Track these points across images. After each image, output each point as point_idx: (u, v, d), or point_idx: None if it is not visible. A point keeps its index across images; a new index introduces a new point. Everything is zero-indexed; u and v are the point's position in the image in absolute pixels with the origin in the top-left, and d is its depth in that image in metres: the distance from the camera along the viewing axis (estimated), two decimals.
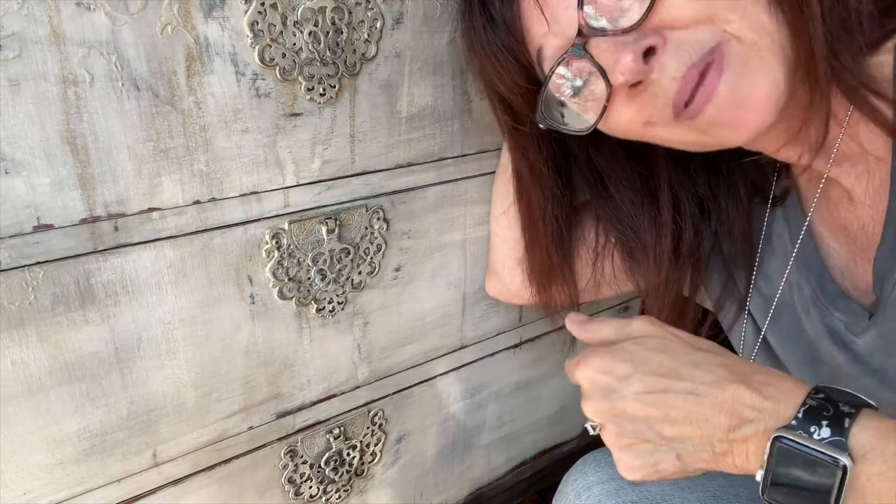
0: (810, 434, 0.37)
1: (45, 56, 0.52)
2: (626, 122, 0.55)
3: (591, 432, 0.55)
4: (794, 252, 0.64)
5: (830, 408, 0.38)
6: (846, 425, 0.37)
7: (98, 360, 0.63)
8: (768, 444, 0.39)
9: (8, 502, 0.63)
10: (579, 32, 0.52)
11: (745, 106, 0.49)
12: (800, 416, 0.38)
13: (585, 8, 0.51)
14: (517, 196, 0.74)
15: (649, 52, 0.50)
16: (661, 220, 0.69)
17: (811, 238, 0.63)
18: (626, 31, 0.50)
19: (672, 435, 0.44)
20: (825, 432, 0.37)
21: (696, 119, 0.51)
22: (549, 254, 0.73)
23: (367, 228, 0.76)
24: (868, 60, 0.51)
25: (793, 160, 0.57)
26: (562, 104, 0.58)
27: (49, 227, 0.57)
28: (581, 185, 0.75)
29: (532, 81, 0.59)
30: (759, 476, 0.40)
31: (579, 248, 0.77)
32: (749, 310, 0.70)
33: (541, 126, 0.61)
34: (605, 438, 0.51)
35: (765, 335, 0.68)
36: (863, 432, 0.36)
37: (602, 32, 0.51)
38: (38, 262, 0.57)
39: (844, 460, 0.35)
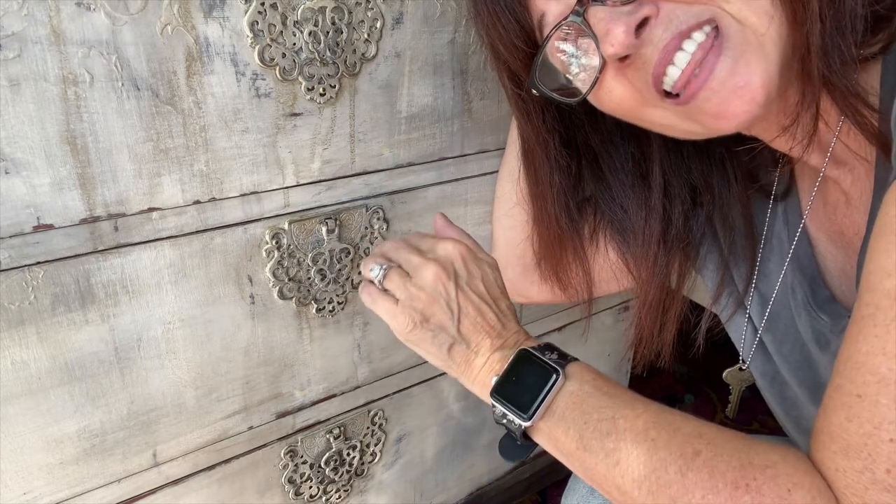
0: (543, 353, 0.57)
1: (45, 56, 0.52)
2: (617, 98, 0.55)
3: (377, 273, 0.62)
4: (790, 254, 0.64)
5: (557, 351, 0.58)
6: (567, 359, 0.58)
7: (98, 360, 0.63)
8: (515, 351, 0.58)
9: (8, 502, 0.63)
10: None
11: (738, 95, 0.49)
12: (539, 345, 0.59)
13: None
14: (524, 164, 0.73)
15: (643, 25, 0.50)
16: (650, 203, 0.70)
17: (808, 241, 0.63)
18: (624, 3, 0.50)
19: (459, 322, 0.60)
20: (553, 356, 0.57)
21: (690, 104, 0.50)
22: (559, 220, 0.73)
23: (367, 228, 0.76)
24: (857, 72, 0.51)
25: (785, 150, 0.57)
26: (557, 72, 0.58)
27: (49, 227, 0.57)
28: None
29: (531, 45, 0.59)
30: (493, 380, 0.57)
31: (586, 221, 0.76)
32: (748, 309, 0.70)
33: (534, 92, 0.60)
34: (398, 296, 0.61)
35: (761, 337, 0.68)
36: (571, 367, 0.57)
37: (601, 1, 0.50)
38: (38, 262, 0.57)
39: (561, 371, 0.56)
